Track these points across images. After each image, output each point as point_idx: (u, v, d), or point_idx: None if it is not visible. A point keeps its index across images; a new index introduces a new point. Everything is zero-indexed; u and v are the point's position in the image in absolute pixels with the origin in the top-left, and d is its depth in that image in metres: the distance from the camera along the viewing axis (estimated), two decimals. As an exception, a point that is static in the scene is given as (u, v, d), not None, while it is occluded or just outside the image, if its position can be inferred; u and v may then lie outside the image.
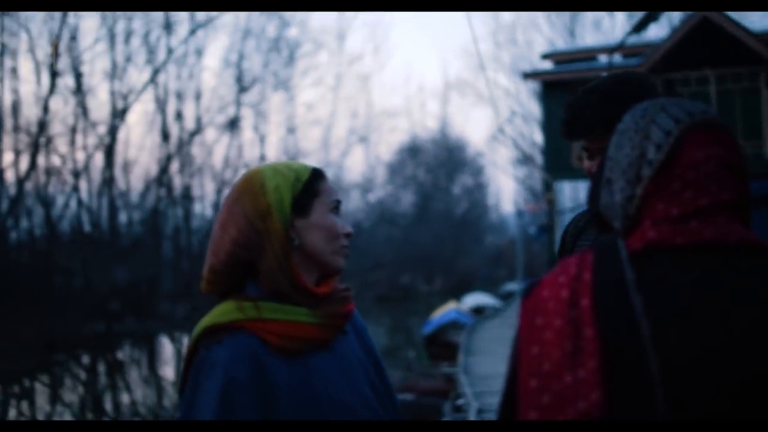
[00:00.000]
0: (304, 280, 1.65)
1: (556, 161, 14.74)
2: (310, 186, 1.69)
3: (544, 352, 1.21)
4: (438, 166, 49.92)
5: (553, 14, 30.04)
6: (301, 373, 1.60)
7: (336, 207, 1.72)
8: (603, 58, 15.23)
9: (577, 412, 1.17)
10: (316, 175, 1.73)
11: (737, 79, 13.65)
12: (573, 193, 15.77)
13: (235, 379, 1.52)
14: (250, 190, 1.68)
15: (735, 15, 13.78)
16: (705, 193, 1.27)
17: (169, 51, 29.72)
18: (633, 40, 14.87)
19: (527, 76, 15.88)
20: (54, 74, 23.73)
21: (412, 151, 49.80)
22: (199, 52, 32.66)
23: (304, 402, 1.57)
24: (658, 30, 20.70)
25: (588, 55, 15.89)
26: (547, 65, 16.11)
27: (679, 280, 1.22)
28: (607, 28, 31.26)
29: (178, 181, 32.29)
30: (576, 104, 2.26)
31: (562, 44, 25.76)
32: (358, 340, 1.81)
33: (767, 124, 13.25)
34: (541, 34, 32.45)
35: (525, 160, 32.31)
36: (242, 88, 33.69)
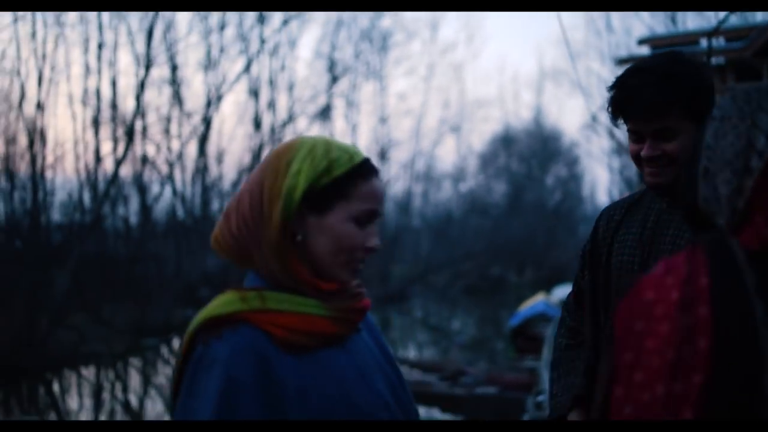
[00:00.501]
0: (305, 274, 1.42)
1: (652, 150, 14.16)
2: (342, 184, 1.44)
3: (639, 360, 1.11)
4: (531, 156, 49.17)
5: (653, -1, 29.08)
6: (312, 372, 1.39)
7: (369, 217, 1.46)
8: (703, 42, 14.54)
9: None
10: (359, 174, 1.46)
11: None
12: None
13: (237, 378, 1.32)
14: (276, 165, 1.46)
15: None
16: None
17: (262, 41, 30.02)
18: (736, 22, 14.14)
19: (621, 62, 15.30)
20: (149, 65, 24.24)
21: (505, 141, 49.14)
22: (292, 43, 32.88)
23: (316, 404, 1.37)
24: (765, 12, 19.71)
25: (687, 39, 15.19)
26: (644, 51, 15.49)
27: None
28: (709, 14, 30.12)
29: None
30: (630, 82, 2.11)
31: (662, 30, 24.88)
32: (373, 339, 1.58)
33: None
34: (640, 20, 31.40)
35: (620, 149, 31.41)
36: (334, 77, 33.80)
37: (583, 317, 2.37)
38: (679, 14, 26.32)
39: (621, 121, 2.19)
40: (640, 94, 2.08)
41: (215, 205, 28.55)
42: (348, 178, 1.44)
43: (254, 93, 30.49)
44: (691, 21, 25.46)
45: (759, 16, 20.73)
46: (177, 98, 26.66)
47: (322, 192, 1.43)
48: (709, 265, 1.14)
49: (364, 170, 1.47)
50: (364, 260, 1.48)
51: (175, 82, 26.46)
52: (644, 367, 1.10)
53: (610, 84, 2.19)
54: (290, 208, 1.42)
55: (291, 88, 31.86)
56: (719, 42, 13.93)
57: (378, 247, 1.47)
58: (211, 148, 29.17)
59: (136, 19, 27.21)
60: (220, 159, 29.59)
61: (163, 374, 16.91)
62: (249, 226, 1.44)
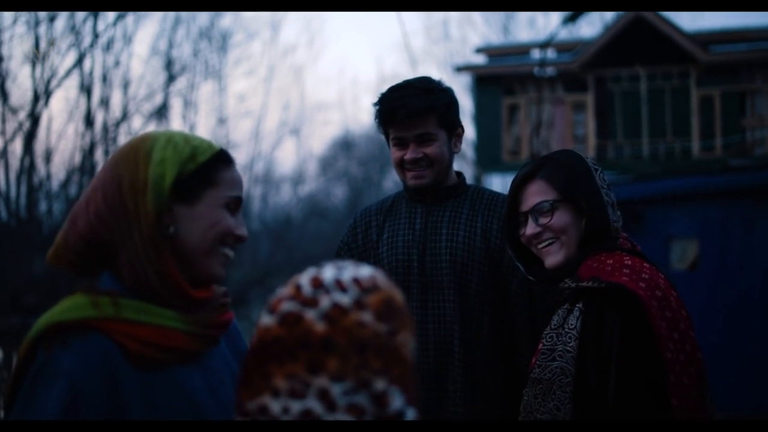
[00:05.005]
0: (177, 276, 1.32)
1: (486, 155, 14.62)
2: (207, 171, 1.37)
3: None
4: (370, 160, 49.74)
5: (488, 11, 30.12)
6: (161, 389, 1.28)
7: (235, 204, 1.40)
8: (535, 54, 15.16)
9: None
10: (220, 159, 1.40)
11: (668, 77, 13.70)
12: (504, 187, 15.66)
13: (82, 392, 1.19)
14: (133, 157, 1.35)
15: (667, 14, 13.87)
16: None
17: (96, 35, 28.81)
18: (566, 36, 14.84)
19: (459, 69, 15.75)
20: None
21: (344, 144, 49.49)
22: (128, 38, 31.70)
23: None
24: (591, 28, 20.86)
25: (520, 50, 15.82)
26: (480, 60, 15.99)
27: None
28: (540, 26, 31.49)
29: (102, 171, 31.33)
30: (395, 95, 2.45)
31: (496, 40, 25.79)
32: (232, 350, 1.48)
33: (695, 122, 13.34)
34: (475, 30, 32.53)
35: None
36: (171, 76, 32.89)
37: None
38: (512, 25, 27.33)
39: (385, 132, 2.52)
40: (405, 104, 2.41)
41: (42, 206, 27.09)
42: (213, 165, 1.39)
43: (86, 89, 29.19)
44: (524, 33, 26.52)
45: (586, 31, 21.87)
46: (1, 92, 25.16)
47: (189, 180, 1.36)
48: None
49: (225, 157, 1.43)
50: (234, 251, 1.42)
51: (-1, 75, 24.96)
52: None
53: (376, 100, 2.51)
54: (162, 198, 1.33)
55: (126, 85, 30.75)
56: (551, 54, 14.58)
57: (246, 238, 1.43)
58: (39, 147, 27.69)
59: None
60: (48, 158, 28.13)
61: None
62: (109, 225, 1.33)
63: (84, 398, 1.20)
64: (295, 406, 0.91)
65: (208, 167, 1.38)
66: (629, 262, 1.74)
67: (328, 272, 0.98)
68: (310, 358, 0.92)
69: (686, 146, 13.43)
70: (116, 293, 1.31)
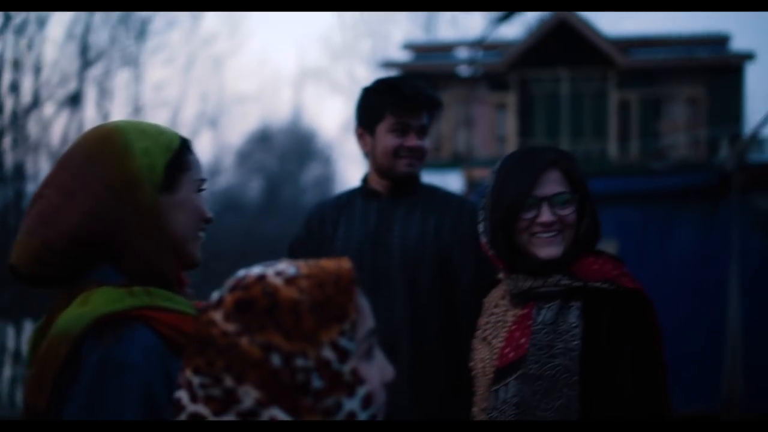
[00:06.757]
0: (178, 264, 1.34)
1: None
2: (180, 157, 1.37)
3: None
4: (288, 155, 49.47)
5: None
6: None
7: (202, 186, 1.42)
8: (460, 52, 15.31)
9: None
10: (186, 144, 1.41)
11: (588, 80, 14.02)
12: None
13: (151, 383, 1.18)
14: (110, 152, 1.31)
15: (589, 18, 14.19)
16: None
17: (7, 18, 27.82)
18: (492, 36, 15.02)
19: (386, 65, 15.76)
20: None
21: (263, 138, 49.07)
22: (41, 21, 30.80)
23: None
24: (513, 29, 21.21)
25: (447, 48, 15.94)
26: (407, 56, 16.04)
27: None
28: (463, 25, 31.84)
29: (10, 159, 30.37)
30: (410, 84, 2.50)
31: (419, 38, 25.97)
32: None
33: (613, 124, 13.68)
34: (398, 27, 32.65)
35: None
36: (86, 62, 32.05)
37: None
38: (434, 23, 27.54)
39: (379, 120, 2.50)
40: (422, 91, 2.47)
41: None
42: (184, 150, 1.40)
43: (-5, 73, 28.20)
44: (446, 32, 26.73)
45: (509, 32, 22.18)
46: None
47: (169, 168, 1.35)
48: None
49: (187, 141, 1.44)
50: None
51: None
52: None
53: (382, 85, 2.53)
54: (157, 187, 1.32)
55: (38, 70, 29.84)
56: (476, 53, 14.73)
57: (212, 220, 1.45)
58: (-57, 131, 26.63)
59: None
60: (-48, 143, 27.11)
61: None
62: (104, 221, 1.28)
63: (154, 389, 1.18)
64: (177, 395, 0.97)
65: (181, 153, 1.39)
66: (626, 270, 1.78)
67: (250, 270, 1.01)
68: (185, 352, 0.98)
69: (604, 148, 13.77)
70: (130, 284, 1.28)
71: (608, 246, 8.83)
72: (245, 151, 50.89)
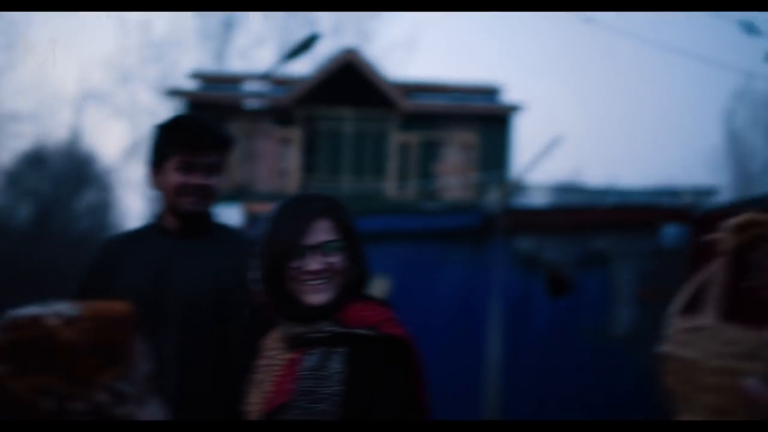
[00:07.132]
0: None
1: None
2: None
3: None
4: (64, 179, 46.93)
5: (203, 37, 29.91)
6: None
7: None
8: (249, 84, 15.36)
9: None
10: None
11: (371, 120, 14.51)
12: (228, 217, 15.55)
13: None
14: None
15: (377, 61, 14.70)
16: None
17: None
18: (281, 71, 15.24)
19: (172, 93, 15.51)
20: None
21: (36, 160, 46.29)
22: None
23: None
24: (301, 66, 21.47)
25: (235, 80, 15.94)
26: (195, 84, 15.86)
27: None
28: (253, 57, 31.87)
29: None
30: (198, 121, 2.50)
31: (209, 67, 25.70)
32: None
33: (392, 164, 14.21)
34: (188, 55, 32.11)
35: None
36: None
37: None
38: (226, 54, 27.39)
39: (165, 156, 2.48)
40: (210, 130, 2.47)
41: None
42: None
43: None
44: (237, 63, 26.65)
45: (300, 68, 22.47)
46: None
47: None
48: None
49: None
50: None
51: None
52: None
53: (170, 123, 2.51)
54: None
55: None
56: (264, 87, 14.84)
57: None
58: None
59: None
60: None
61: None
62: None
63: None
64: None
65: None
66: (391, 315, 1.86)
67: (26, 309, 0.99)
68: None
69: (383, 187, 14.26)
70: None
71: (382, 281, 9.18)
72: (15, 174, 47.76)
